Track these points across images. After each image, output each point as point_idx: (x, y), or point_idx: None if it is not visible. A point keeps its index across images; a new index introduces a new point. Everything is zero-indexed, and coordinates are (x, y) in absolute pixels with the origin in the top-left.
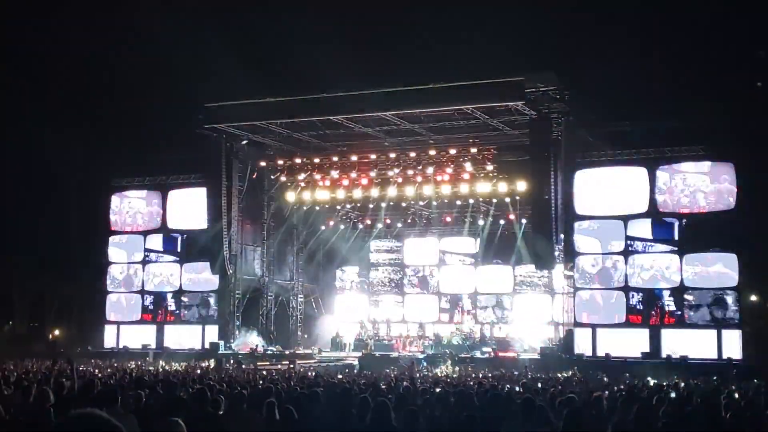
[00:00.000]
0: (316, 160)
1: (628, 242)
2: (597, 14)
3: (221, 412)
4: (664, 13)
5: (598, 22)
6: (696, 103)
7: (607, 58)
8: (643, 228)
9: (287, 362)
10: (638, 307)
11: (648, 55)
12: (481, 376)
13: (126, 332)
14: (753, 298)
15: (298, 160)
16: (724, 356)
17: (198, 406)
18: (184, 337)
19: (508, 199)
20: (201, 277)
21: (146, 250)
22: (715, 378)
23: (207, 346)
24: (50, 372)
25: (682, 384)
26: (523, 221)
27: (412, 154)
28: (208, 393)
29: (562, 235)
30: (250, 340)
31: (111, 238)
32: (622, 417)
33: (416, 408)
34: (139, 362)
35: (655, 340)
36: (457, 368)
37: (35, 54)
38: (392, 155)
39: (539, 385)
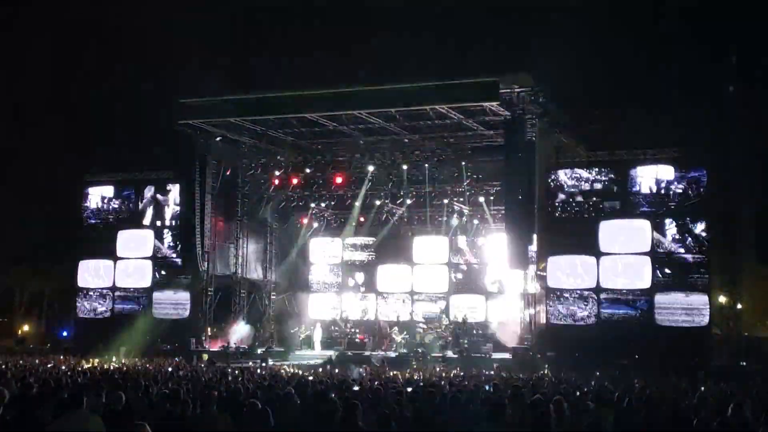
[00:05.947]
0: (291, 158)
1: (601, 244)
2: (572, 17)
3: (189, 414)
4: (638, 16)
5: (573, 25)
6: (669, 106)
7: (581, 60)
8: (615, 230)
9: (259, 360)
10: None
11: (622, 59)
12: (452, 375)
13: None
14: (722, 299)
15: (272, 158)
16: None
17: (166, 407)
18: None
19: (482, 199)
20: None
21: (119, 246)
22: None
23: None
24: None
25: (654, 388)
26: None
27: (387, 153)
28: (180, 393)
29: (535, 236)
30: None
31: (83, 234)
32: (596, 422)
33: (388, 411)
34: (106, 357)
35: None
36: (428, 368)
37: (6, 48)
38: (367, 154)
39: (510, 386)
